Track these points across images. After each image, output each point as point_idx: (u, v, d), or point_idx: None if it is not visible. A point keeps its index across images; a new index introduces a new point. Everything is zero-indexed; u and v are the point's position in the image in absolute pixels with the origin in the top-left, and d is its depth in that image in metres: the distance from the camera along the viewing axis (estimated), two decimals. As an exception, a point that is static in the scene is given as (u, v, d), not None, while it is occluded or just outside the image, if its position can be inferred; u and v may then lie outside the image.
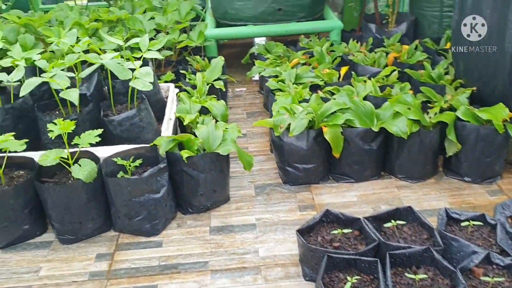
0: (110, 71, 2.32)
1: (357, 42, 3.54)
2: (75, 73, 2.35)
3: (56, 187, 2.07)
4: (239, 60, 3.97)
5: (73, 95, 2.17)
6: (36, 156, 2.25)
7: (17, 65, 2.34)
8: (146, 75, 2.29)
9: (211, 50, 3.63)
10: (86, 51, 2.67)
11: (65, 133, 2.08)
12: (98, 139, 2.14)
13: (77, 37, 2.71)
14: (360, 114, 2.43)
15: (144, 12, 3.65)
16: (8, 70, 2.50)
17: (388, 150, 2.47)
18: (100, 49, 2.95)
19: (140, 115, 2.38)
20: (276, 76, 3.02)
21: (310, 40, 3.65)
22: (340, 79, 3.00)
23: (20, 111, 2.39)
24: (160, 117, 2.69)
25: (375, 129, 2.35)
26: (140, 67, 2.31)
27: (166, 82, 3.17)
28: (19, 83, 2.41)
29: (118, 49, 2.95)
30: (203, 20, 4.00)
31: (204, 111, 2.69)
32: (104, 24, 3.45)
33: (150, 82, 2.26)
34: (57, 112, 2.46)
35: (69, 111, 2.37)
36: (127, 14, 3.44)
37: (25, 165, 2.25)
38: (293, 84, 2.87)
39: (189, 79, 3.09)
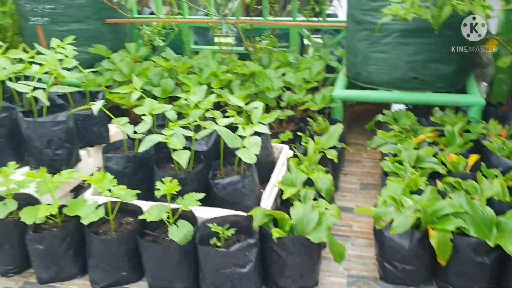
0: (223, 135, 2.41)
1: (499, 122, 3.19)
2: (192, 133, 2.48)
3: (152, 245, 2.21)
4: (366, 118, 3.85)
5: (183, 158, 2.30)
6: (145, 206, 2.42)
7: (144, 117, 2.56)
8: (254, 146, 2.33)
9: (336, 111, 3.57)
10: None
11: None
12: (199, 203, 2.23)
13: (211, 86, 2.87)
14: (478, 220, 2.16)
15: (278, 67, 3.74)
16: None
17: (507, 269, 2.16)
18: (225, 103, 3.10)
19: (243, 181, 2.43)
20: (395, 155, 2.85)
21: (445, 114, 3.38)
22: (467, 169, 2.72)
23: (141, 160, 2.60)
24: (267, 179, 2.72)
25: (491, 243, 2.07)
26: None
27: (282, 141, 3.20)
28: (143, 135, 2.63)
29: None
30: (337, 73, 3.97)
31: (310, 181, 2.65)
32: (238, 77, 3.61)
33: (256, 154, 2.30)
34: (172, 165, 2.63)
35: (181, 168, 2.52)
36: (260, 69, 3.55)
37: (135, 212, 2.44)
38: (412, 167, 2.68)
39: (305, 142, 3.07)
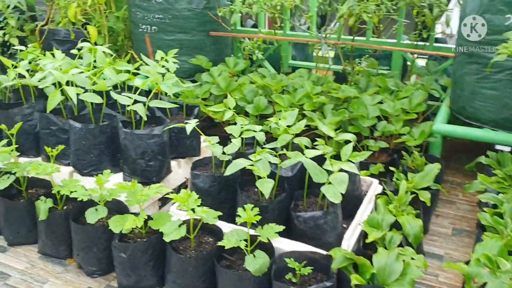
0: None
1: None
2: (278, 161, 2.45)
3: (227, 271, 2.21)
4: (466, 154, 3.58)
5: (266, 187, 2.28)
6: (225, 228, 2.44)
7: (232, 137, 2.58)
8: (340, 184, 2.25)
9: (434, 147, 3.36)
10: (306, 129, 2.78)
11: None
12: (277, 236, 2.20)
13: (303, 107, 2.83)
14: None
15: (376, 93, 3.60)
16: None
17: None
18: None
19: (326, 217, 2.36)
20: (495, 206, 2.61)
21: (560, 162, 3.04)
22: None
23: (227, 180, 2.62)
24: (351, 214, 2.62)
25: None
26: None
27: (372, 174, 3.07)
28: (231, 157, 2.65)
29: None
30: (442, 101, 3.74)
31: (397, 224, 2.50)
32: (332, 100, 3.53)
33: (342, 194, 2.22)
34: (255, 189, 2.62)
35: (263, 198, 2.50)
36: (355, 94, 3.44)
37: (215, 233, 2.46)
38: (513, 222, 2.44)
39: (397, 179, 2.92)
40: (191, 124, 2.53)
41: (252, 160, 2.42)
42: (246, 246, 2.21)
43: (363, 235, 2.51)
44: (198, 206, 2.34)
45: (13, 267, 2.65)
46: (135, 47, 4.52)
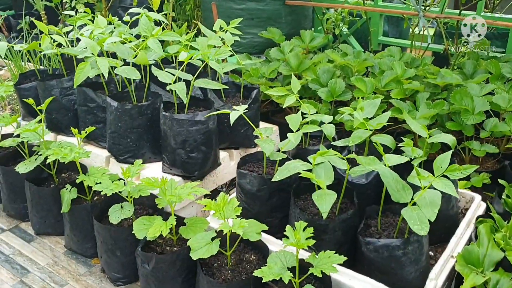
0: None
1: None
2: (346, 166, 1.86)
3: (265, 308, 1.69)
4: None
5: (325, 203, 1.71)
6: (274, 246, 1.92)
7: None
8: (430, 207, 1.61)
9: (562, 155, 2.55)
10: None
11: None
12: (336, 270, 1.63)
13: (389, 95, 2.21)
14: None
15: (485, 81, 2.83)
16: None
17: None
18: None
19: (406, 248, 1.74)
20: None
21: None
22: None
23: (280, 184, 2.07)
24: (441, 239, 1.99)
25: None
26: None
27: (473, 187, 2.37)
28: (285, 156, 2.10)
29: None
30: None
31: (506, 262, 1.82)
32: (429, 87, 2.82)
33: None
34: (316, 199, 2.05)
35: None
36: (458, 82, 2.71)
37: (260, 249, 1.96)
38: None
39: (507, 196, 2.20)
40: (237, 112, 2.00)
41: (311, 164, 1.86)
42: (293, 277, 1.67)
43: (456, 274, 1.86)
44: (238, 216, 1.83)
45: (34, 262, 2.34)
46: (203, 17, 4.06)
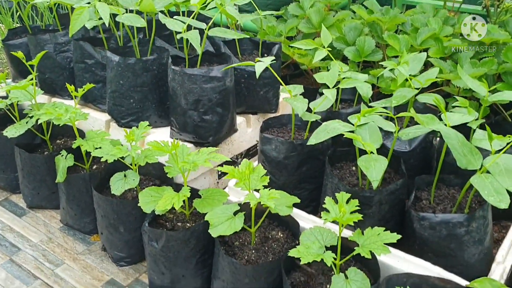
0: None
1: None
2: (394, 128, 1.55)
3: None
4: None
5: (375, 170, 1.40)
6: (305, 222, 1.63)
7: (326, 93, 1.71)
8: (507, 174, 1.31)
9: None
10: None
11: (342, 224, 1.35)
12: (388, 250, 1.34)
13: (427, 54, 1.89)
14: None
15: (535, 38, 2.50)
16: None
17: None
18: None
19: (469, 225, 1.44)
20: None
21: None
22: None
23: (311, 150, 1.77)
24: (509, 215, 1.70)
25: None
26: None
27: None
28: (319, 117, 1.79)
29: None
30: None
31: None
32: (472, 45, 2.49)
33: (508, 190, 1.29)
34: (353, 167, 1.75)
35: (366, 183, 1.62)
36: (508, 38, 2.38)
37: (289, 225, 1.66)
38: None
39: None
40: (263, 63, 1.68)
41: (352, 125, 1.55)
42: (335, 258, 1.38)
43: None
44: (265, 186, 1.54)
45: (26, 238, 2.05)
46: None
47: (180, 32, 1.88)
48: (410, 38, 2.50)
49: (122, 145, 2.07)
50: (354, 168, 1.74)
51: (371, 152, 1.45)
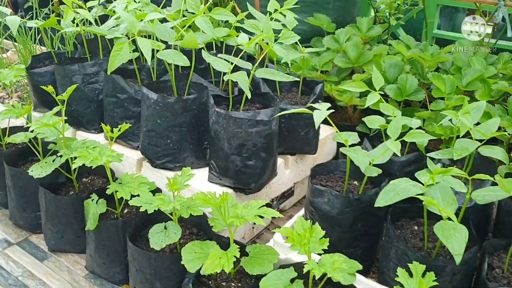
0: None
1: None
2: (464, 188, 1.42)
3: None
4: None
5: (456, 241, 1.27)
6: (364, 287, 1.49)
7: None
8: None
9: None
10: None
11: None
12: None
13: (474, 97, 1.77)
14: None
15: None
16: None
17: None
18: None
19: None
20: None
21: None
22: None
23: (368, 205, 1.64)
24: None
25: None
26: None
27: None
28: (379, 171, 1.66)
29: None
30: None
31: None
32: (518, 88, 2.38)
33: None
34: (415, 227, 1.61)
35: (431, 245, 1.49)
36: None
37: None
38: None
39: None
40: (320, 112, 1.56)
41: (421, 184, 1.42)
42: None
43: None
44: (324, 250, 1.40)
45: (49, 287, 1.90)
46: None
47: (226, 73, 1.75)
48: (454, 79, 2.39)
49: (157, 188, 1.94)
50: (416, 227, 1.61)
51: (448, 218, 1.32)
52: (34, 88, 2.42)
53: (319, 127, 2.21)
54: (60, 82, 2.25)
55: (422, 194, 1.39)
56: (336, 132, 1.67)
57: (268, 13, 2.27)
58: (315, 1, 3.26)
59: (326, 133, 2.41)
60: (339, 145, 2.53)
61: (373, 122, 1.85)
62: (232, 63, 1.78)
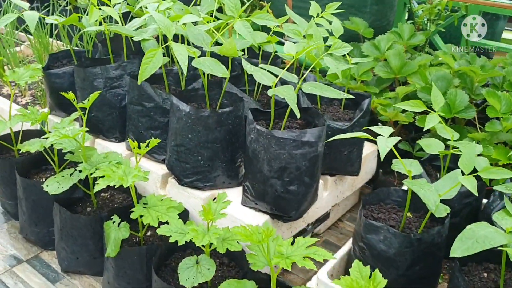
0: None
1: None
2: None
3: None
4: None
5: None
6: None
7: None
8: None
9: None
10: None
11: None
12: None
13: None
14: None
15: None
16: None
17: None
18: None
19: None
20: None
21: None
22: None
23: (428, 246, 1.43)
24: None
25: None
26: None
27: None
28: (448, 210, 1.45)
29: None
30: None
31: None
32: None
33: None
34: (485, 272, 1.40)
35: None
36: None
37: None
38: None
39: None
40: (385, 140, 1.34)
41: (502, 229, 1.21)
42: None
43: None
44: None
45: (61, 315, 1.71)
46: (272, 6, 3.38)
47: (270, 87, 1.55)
48: (510, 97, 2.17)
49: (186, 211, 1.75)
50: (485, 274, 1.40)
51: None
52: (50, 90, 2.23)
53: (362, 146, 2.02)
54: (80, 85, 2.05)
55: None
56: (396, 160, 1.46)
57: (312, 18, 2.06)
58: (351, 3, 3.04)
59: (367, 151, 2.20)
60: (379, 163, 2.33)
61: (432, 147, 1.65)
62: (277, 76, 1.58)
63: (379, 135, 1.37)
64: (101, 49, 2.31)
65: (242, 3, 2.39)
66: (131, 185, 1.56)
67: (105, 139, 2.13)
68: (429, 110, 1.67)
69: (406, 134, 2.54)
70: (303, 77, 1.63)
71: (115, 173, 1.52)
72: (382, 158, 1.28)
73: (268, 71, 1.60)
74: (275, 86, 1.53)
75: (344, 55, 2.00)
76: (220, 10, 2.17)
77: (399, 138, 1.36)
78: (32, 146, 1.83)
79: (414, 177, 1.45)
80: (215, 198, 1.83)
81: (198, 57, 1.62)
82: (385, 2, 3.15)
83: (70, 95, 1.71)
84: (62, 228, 1.79)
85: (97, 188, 1.48)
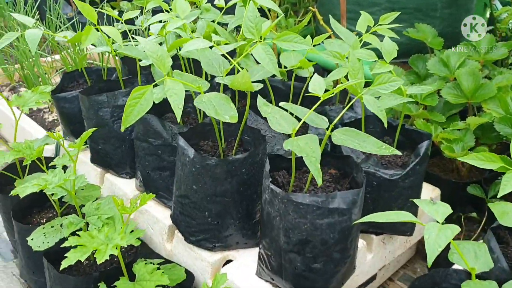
0: None
1: None
2: None
3: None
4: None
5: None
6: None
7: None
8: None
9: None
10: None
11: None
12: None
13: None
14: None
15: None
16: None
17: None
18: None
19: None
20: None
21: None
22: None
23: None
24: None
25: None
26: None
27: None
28: None
29: None
30: None
31: None
32: None
33: None
34: None
35: None
36: None
37: None
38: None
39: None
40: (437, 239, 0.94)
41: None
42: None
43: None
44: None
45: None
46: (320, 2, 2.99)
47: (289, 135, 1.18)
48: None
49: (191, 274, 1.43)
50: None
51: None
52: (60, 115, 2.00)
53: (419, 192, 1.60)
54: (85, 114, 1.79)
55: None
56: (453, 245, 1.05)
57: (357, 35, 1.67)
58: (418, 7, 2.58)
59: (426, 197, 1.77)
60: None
61: (509, 216, 1.21)
62: (300, 120, 1.21)
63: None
64: (121, 67, 2.04)
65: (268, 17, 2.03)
66: (118, 253, 1.26)
67: (114, 174, 1.86)
68: (508, 167, 1.23)
69: (479, 172, 2.06)
70: (340, 115, 1.25)
71: (93, 240, 1.23)
72: (429, 264, 0.88)
73: (290, 113, 1.24)
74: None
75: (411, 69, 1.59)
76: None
77: (458, 229, 0.95)
78: (25, 189, 1.59)
79: (480, 277, 1.03)
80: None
81: (204, 92, 1.29)
82: (459, 4, 2.65)
83: (85, 136, 1.44)
84: (52, 286, 1.54)
85: (64, 265, 1.20)
